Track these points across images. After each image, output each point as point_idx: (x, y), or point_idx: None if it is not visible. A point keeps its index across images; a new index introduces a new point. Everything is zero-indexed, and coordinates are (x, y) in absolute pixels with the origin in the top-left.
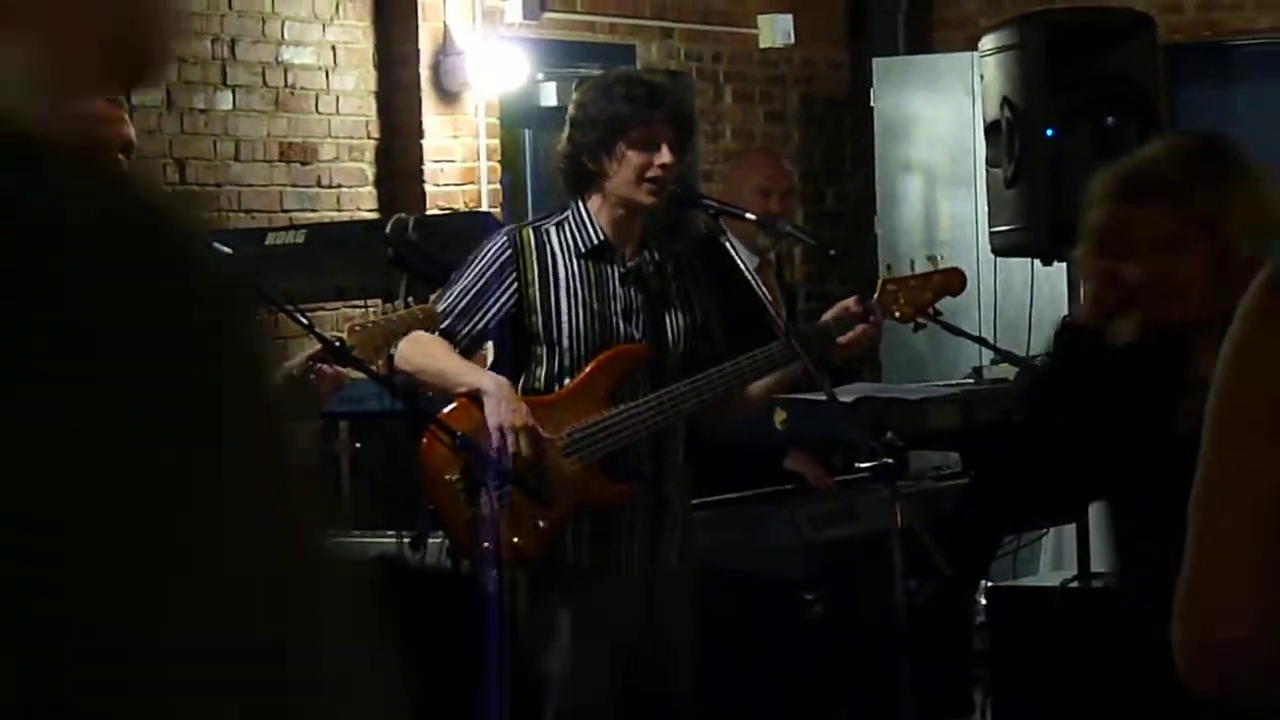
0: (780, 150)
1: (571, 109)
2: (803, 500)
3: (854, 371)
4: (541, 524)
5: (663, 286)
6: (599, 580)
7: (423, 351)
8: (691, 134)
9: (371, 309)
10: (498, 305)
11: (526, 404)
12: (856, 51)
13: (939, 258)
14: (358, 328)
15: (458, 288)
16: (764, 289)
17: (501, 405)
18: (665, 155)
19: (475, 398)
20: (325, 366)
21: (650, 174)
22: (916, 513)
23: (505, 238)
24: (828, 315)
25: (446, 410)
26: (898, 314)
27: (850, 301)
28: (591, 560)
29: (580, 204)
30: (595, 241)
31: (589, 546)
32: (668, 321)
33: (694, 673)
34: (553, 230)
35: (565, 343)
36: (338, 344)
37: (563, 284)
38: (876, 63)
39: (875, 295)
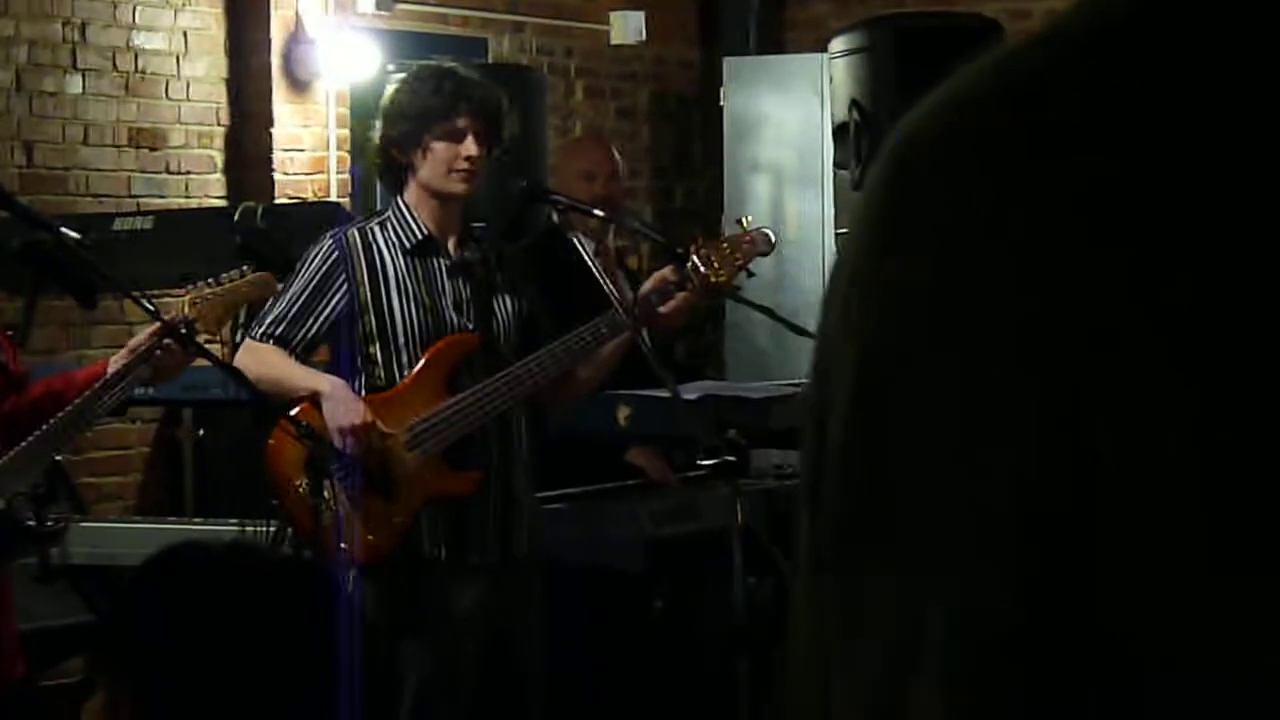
0: (628, 146)
1: (383, 102)
2: (645, 496)
3: (698, 369)
4: (395, 519)
5: (489, 277)
6: (453, 575)
7: (259, 360)
8: (500, 125)
9: (209, 282)
10: (330, 308)
11: (366, 402)
12: (708, 50)
13: (748, 219)
14: (198, 300)
15: (288, 295)
16: (606, 272)
17: (340, 407)
18: (470, 147)
19: (315, 401)
20: (171, 343)
21: (457, 165)
22: (758, 511)
23: (331, 241)
24: (646, 286)
25: (290, 414)
26: (713, 278)
27: (667, 271)
28: (446, 555)
29: (400, 200)
30: (419, 236)
31: (444, 541)
32: (497, 310)
33: (543, 665)
34: (378, 229)
35: (400, 339)
36: (183, 328)
37: (392, 281)
38: (727, 62)
39: (689, 263)
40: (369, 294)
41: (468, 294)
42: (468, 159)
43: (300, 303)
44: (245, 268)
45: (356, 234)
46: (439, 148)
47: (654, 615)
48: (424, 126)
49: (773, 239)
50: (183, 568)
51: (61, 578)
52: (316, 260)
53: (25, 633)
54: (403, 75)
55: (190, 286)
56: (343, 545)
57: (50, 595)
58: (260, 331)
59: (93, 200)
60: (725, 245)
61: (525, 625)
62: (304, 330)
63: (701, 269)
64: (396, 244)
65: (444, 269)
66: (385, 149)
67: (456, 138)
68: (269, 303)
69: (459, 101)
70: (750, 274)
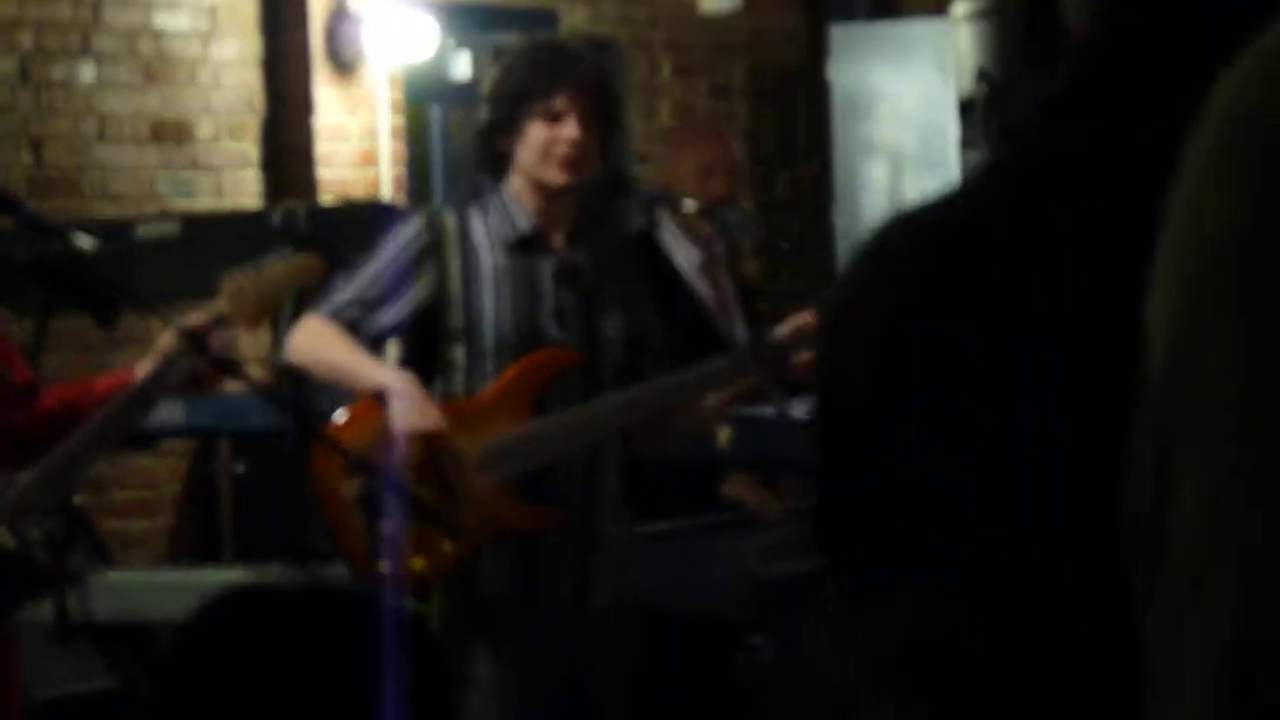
0: (725, 129)
1: (485, 83)
2: (750, 531)
3: (811, 383)
4: (447, 550)
5: (597, 286)
6: (520, 617)
7: (318, 340)
8: (611, 105)
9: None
10: (412, 297)
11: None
12: (812, 18)
13: None
14: (233, 289)
15: (367, 275)
16: (715, 288)
17: (411, 408)
18: (570, 129)
19: (379, 398)
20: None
21: (555, 150)
22: None
23: (425, 220)
24: (782, 330)
25: (342, 417)
26: None
27: (808, 315)
28: (512, 593)
29: (503, 189)
30: (523, 231)
31: (509, 577)
32: (602, 325)
33: None
34: (477, 217)
35: (488, 344)
36: (214, 327)
37: (486, 277)
38: (834, 30)
39: None
40: (459, 288)
41: (570, 303)
42: (569, 143)
43: (379, 286)
44: (289, 250)
45: (454, 218)
46: (537, 131)
47: (762, 669)
48: (521, 108)
49: None
50: (239, 621)
51: (83, 636)
52: (404, 240)
53: (41, 701)
54: (506, 50)
55: (225, 273)
56: (384, 570)
57: (69, 657)
58: (329, 309)
59: (111, 203)
60: None
61: (605, 685)
62: (379, 318)
63: None
64: (496, 236)
65: (548, 272)
66: (487, 135)
67: (555, 119)
68: (341, 279)
69: (557, 78)
70: None
